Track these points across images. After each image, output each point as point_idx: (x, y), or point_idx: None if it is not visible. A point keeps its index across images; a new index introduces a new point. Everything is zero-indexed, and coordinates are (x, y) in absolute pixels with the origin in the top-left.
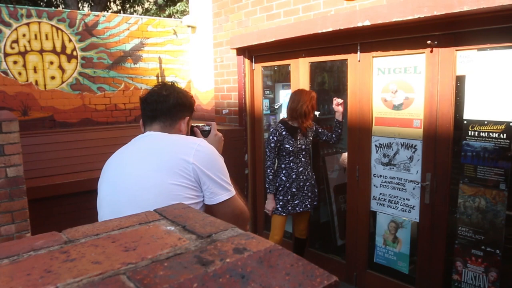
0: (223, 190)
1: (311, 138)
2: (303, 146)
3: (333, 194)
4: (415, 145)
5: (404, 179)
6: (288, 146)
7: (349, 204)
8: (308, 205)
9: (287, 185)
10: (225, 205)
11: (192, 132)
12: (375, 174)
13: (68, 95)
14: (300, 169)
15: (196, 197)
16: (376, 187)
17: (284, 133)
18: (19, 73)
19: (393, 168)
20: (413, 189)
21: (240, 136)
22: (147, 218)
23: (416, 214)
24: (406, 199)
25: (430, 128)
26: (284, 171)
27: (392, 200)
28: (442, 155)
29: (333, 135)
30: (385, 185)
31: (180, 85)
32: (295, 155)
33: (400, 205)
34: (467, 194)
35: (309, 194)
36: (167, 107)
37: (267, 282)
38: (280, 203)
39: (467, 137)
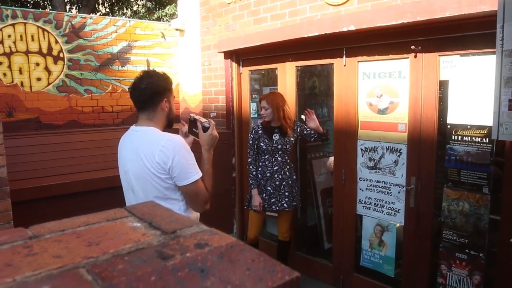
0: (182, 179)
1: (292, 139)
2: (279, 146)
3: (320, 198)
4: (400, 149)
5: (389, 183)
6: (262, 144)
7: (335, 208)
8: (285, 205)
9: (262, 182)
10: (184, 188)
11: (194, 123)
12: (361, 178)
13: (54, 97)
14: (275, 168)
15: (168, 181)
16: (362, 190)
17: (260, 132)
18: (4, 74)
19: (378, 171)
20: (398, 192)
21: (228, 139)
22: (115, 215)
23: (401, 217)
24: (392, 202)
25: (414, 132)
26: (259, 169)
27: (378, 204)
28: (426, 159)
29: (323, 137)
30: (371, 189)
31: (158, 71)
32: (270, 154)
33: (386, 208)
34: (451, 197)
35: (286, 193)
36: (146, 99)
37: (227, 276)
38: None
39: (450, 141)
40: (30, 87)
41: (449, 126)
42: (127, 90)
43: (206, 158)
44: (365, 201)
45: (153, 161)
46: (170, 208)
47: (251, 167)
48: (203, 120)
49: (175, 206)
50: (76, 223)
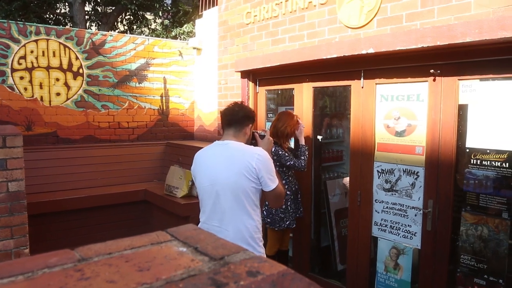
0: (271, 183)
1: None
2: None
3: (334, 219)
4: (417, 172)
5: (406, 205)
6: (291, 162)
7: (350, 229)
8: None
9: (292, 197)
10: (272, 191)
11: (252, 135)
12: (376, 200)
13: (72, 112)
14: (295, 181)
15: (256, 186)
16: (378, 212)
17: (280, 152)
18: (25, 89)
19: (395, 194)
20: (415, 215)
21: None
22: (159, 239)
23: (417, 241)
24: (408, 225)
25: (432, 155)
26: (286, 186)
27: (394, 226)
28: (444, 183)
29: (302, 162)
30: (387, 211)
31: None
32: (292, 170)
33: (402, 231)
34: (469, 222)
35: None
36: (238, 118)
37: None
38: (293, 215)
39: (469, 165)
40: (50, 101)
41: (468, 150)
42: (143, 107)
43: None
44: (380, 223)
45: (250, 167)
46: (254, 219)
47: None
48: (259, 131)
49: (256, 216)
50: (121, 246)
